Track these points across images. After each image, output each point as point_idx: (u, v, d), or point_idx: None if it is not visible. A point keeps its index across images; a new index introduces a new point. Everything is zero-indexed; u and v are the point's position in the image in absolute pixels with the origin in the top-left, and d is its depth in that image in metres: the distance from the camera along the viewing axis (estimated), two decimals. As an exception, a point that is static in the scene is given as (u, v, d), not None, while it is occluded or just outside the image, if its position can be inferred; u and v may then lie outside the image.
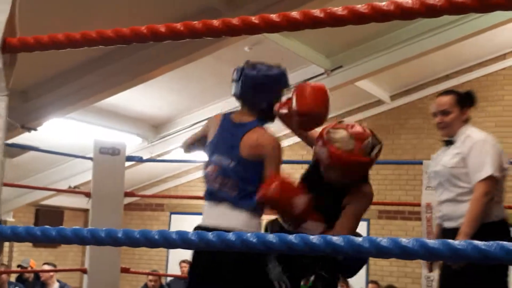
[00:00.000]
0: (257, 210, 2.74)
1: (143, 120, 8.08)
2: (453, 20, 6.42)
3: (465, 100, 3.29)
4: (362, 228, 8.81)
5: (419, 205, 5.69)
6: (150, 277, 7.87)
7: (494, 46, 8.17)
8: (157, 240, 1.35)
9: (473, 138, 3.16)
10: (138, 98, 7.32)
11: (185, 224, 9.77)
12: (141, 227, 10.21)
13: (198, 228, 2.80)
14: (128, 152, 5.55)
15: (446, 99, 3.27)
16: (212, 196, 2.83)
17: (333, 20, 1.15)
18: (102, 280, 4.95)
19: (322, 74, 7.12)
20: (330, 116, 9.90)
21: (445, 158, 3.18)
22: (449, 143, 3.23)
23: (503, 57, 8.44)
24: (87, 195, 5.09)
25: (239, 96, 2.85)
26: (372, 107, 9.14)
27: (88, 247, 5.12)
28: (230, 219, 2.72)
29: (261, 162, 2.73)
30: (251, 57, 6.79)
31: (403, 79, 8.58)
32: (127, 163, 5.37)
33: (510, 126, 8.30)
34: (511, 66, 8.44)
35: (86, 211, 10.42)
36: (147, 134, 8.27)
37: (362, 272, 8.81)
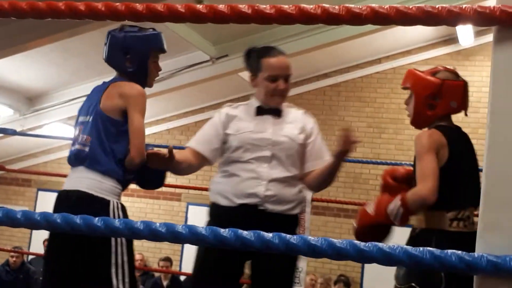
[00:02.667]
0: (114, 173, 2.57)
1: (17, 91, 7.72)
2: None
3: None
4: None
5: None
6: (12, 253, 7.56)
7: (372, 50, 8.57)
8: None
9: (310, 116, 2.79)
10: (14, 68, 6.99)
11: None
12: (6, 202, 9.77)
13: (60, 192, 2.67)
14: (-1, 124, 5.30)
15: (289, 62, 2.71)
16: (70, 158, 2.68)
17: (219, 17, 1.17)
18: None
19: (207, 61, 7.15)
20: (211, 103, 9.92)
21: (289, 130, 2.66)
22: (275, 112, 2.68)
23: (378, 61, 8.87)
24: (-49, 165, 4.81)
25: (107, 60, 2.73)
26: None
27: None
28: (80, 181, 2.58)
29: (121, 120, 2.58)
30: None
31: (284, 73, 8.77)
32: (-2, 135, 5.13)
33: (380, 128, 8.76)
34: (384, 71, 8.89)
35: None
36: (20, 106, 7.92)
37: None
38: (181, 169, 2.66)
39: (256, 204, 2.57)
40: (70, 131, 8.73)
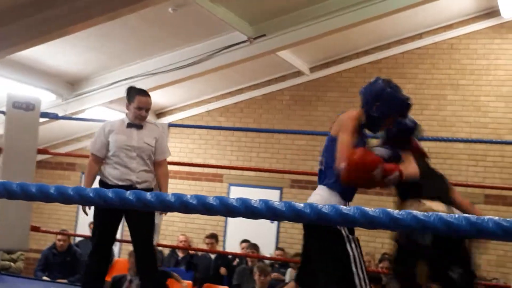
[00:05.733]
0: (336, 187, 3.10)
1: (59, 76, 7.83)
2: (376, -4, 6.56)
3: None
4: (275, 196, 8.97)
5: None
6: (59, 237, 7.72)
7: (412, 25, 8.42)
8: (72, 196, 1.34)
9: (160, 126, 4.51)
10: (55, 53, 7.08)
11: (95, 185, 9.60)
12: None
13: None
14: (41, 109, 5.39)
15: (151, 101, 4.31)
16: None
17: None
18: (11, 238, 4.83)
19: (245, 41, 7.12)
20: (250, 84, 9.90)
21: (146, 139, 4.20)
22: (139, 127, 4.21)
23: (419, 36, 8.71)
24: (-2, 150, 4.92)
25: (362, 92, 3.30)
26: (292, 78, 9.24)
27: (-4, 204, 4.96)
28: (315, 195, 3.14)
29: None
30: (175, 19, 6.71)
31: (323, 51, 8.70)
32: (41, 119, 5.22)
33: (421, 104, 8.60)
34: (426, 46, 8.72)
35: (-7, 167, 10.04)
36: (62, 91, 8.03)
37: (272, 238, 9.00)
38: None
39: (130, 185, 4.12)
40: (112, 115, 8.83)
